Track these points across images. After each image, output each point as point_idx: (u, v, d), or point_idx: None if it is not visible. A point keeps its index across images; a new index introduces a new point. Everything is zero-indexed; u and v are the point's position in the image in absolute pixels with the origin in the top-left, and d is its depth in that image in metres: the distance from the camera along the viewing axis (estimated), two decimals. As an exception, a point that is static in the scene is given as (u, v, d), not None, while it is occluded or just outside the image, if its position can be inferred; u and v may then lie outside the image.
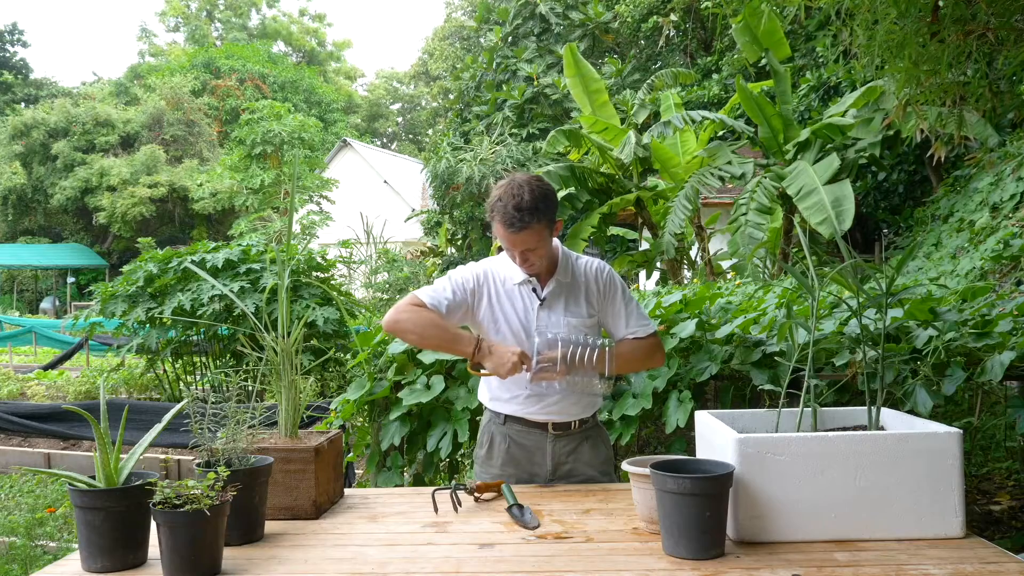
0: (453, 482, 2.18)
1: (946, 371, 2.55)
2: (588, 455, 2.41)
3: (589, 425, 2.43)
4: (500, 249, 2.39)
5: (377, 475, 3.22)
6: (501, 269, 2.39)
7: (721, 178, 8.18)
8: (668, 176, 10.03)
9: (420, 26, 79.63)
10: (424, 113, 44.45)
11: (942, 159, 7.40)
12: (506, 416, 2.41)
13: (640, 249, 11.72)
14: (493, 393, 2.44)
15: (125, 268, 7.54)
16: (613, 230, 11.73)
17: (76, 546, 1.73)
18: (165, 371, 7.74)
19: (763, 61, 8.79)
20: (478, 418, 3.21)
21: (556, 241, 2.39)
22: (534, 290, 2.35)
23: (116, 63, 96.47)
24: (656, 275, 11.07)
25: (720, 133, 12.03)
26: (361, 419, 3.39)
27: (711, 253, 9.93)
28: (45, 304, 26.10)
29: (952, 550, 1.67)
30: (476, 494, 2.18)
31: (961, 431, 1.75)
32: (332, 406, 3.28)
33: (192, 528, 1.60)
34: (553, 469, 2.39)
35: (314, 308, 6.79)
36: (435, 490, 2.15)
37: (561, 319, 2.33)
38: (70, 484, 1.72)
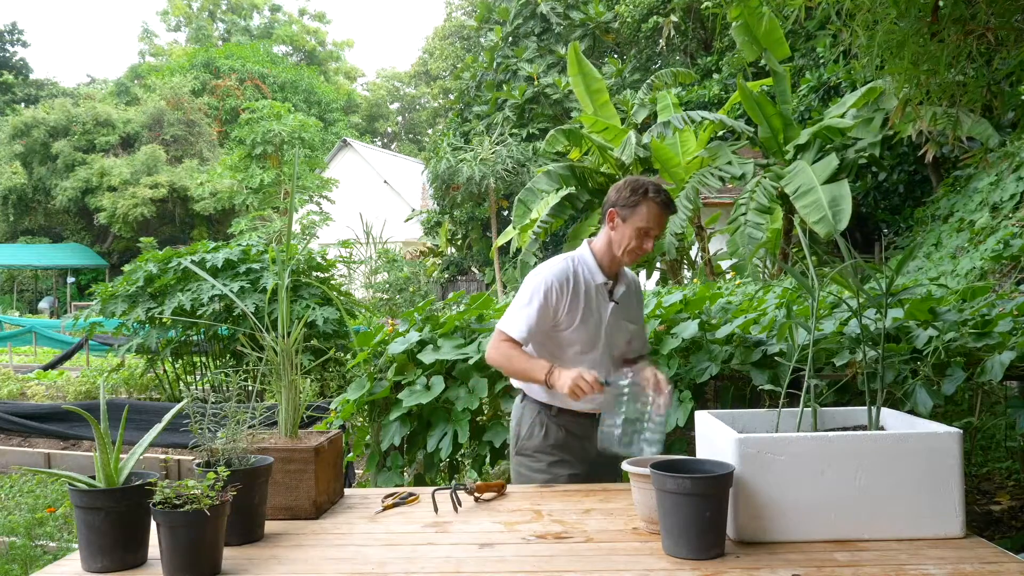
0: (453, 482, 2.18)
1: (946, 371, 2.55)
2: None
3: None
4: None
5: (377, 475, 3.22)
6: (582, 267, 2.47)
7: (721, 178, 8.19)
8: (668, 176, 10.03)
9: (420, 26, 79.74)
10: (424, 113, 44.45)
11: (931, 158, 7.40)
12: (558, 408, 2.49)
13: (640, 249, 11.69)
14: (539, 387, 2.50)
15: (125, 268, 7.54)
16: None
17: (76, 546, 1.73)
18: (165, 371, 7.73)
19: (763, 61, 8.78)
20: (479, 419, 3.21)
21: None
22: (610, 292, 2.48)
23: (116, 63, 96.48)
24: (656, 275, 11.08)
25: (720, 133, 12.02)
26: (361, 419, 3.39)
27: (711, 253, 9.94)
28: (43, 304, 26.14)
29: (952, 550, 1.66)
30: (476, 494, 2.18)
31: (961, 431, 1.75)
32: (332, 406, 3.28)
33: (192, 528, 1.60)
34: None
35: (314, 308, 6.79)
36: (435, 490, 2.15)
37: (623, 322, 2.49)
38: (70, 484, 1.72)
